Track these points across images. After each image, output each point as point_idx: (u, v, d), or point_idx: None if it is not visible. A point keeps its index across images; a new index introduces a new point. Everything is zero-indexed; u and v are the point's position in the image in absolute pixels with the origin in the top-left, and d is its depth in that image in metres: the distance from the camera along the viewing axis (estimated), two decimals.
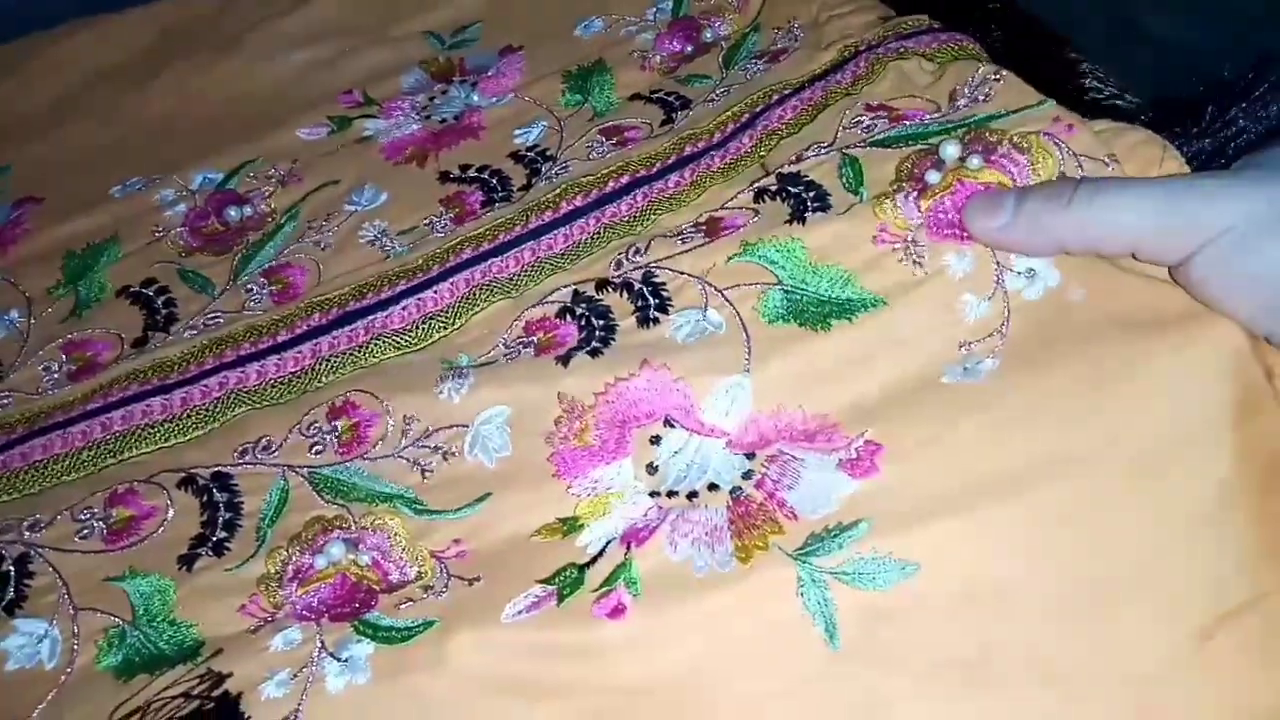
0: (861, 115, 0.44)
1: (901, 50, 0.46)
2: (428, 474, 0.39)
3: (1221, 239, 0.32)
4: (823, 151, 0.43)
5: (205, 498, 0.39)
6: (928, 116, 0.43)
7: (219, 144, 0.54)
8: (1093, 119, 0.41)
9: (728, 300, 0.40)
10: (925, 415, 0.35)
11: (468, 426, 0.39)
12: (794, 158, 0.44)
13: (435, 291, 0.44)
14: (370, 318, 0.44)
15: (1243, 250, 0.32)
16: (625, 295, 0.41)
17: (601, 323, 0.41)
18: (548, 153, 0.50)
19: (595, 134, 0.50)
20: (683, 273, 0.41)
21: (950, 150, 0.39)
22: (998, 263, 0.38)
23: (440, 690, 0.33)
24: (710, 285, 0.40)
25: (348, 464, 0.39)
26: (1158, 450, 0.33)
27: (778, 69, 0.49)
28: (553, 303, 0.42)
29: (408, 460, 0.39)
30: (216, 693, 0.33)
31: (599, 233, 0.45)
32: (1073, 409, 0.34)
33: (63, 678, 0.36)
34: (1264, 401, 0.34)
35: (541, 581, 0.35)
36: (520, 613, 0.34)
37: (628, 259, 0.43)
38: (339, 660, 0.33)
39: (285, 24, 0.61)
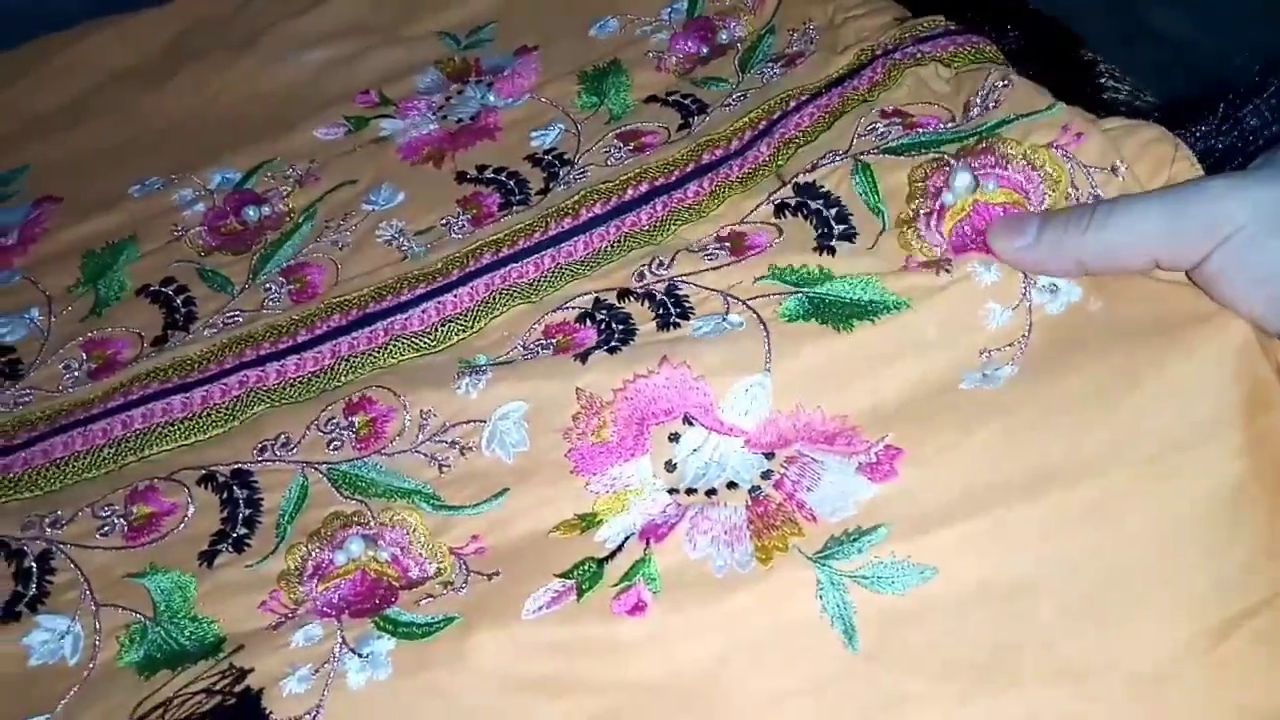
0: (876, 121, 0.44)
1: (919, 55, 0.47)
2: (445, 469, 0.39)
3: (1233, 238, 0.33)
4: (837, 159, 0.43)
5: (225, 494, 0.40)
6: (942, 125, 0.43)
7: (236, 144, 0.55)
8: (1106, 117, 0.42)
9: (749, 307, 0.40)
10: (944, 421, 0.36)
11: (485, 422, 0.39)
12: (809, 165, 0.44)
13: (455, 295, 0.44)
14: (390, 319, 0.44)
15: (1253, 249, 0.32)
16: (647, 304, 0.42)
17: (621, 327, 0.41)
18: (565, 157, 0.50)
19: (613, 139, 0.50)
20: (706, 287, 0.41)
21: (963, 181, 0.39)
22: (1024, 275, 0.38)
23: (462, 687, 0.33)
24: (733, 297, 0.41)
25: (365, 459, 0.40)
26: (1169, 452, 0.33)
27: (794, 74, 0.49)
28: (573, 308, 0.43)
29: (425, 455, 0.39)
30: (238, 688, 0.33)
31: (619, 241, 0.45)
32: (1086, 414, 0.34)
33: (85, 673, 0.36)
34: (1275, 399, 0.34)
35: (560, 575, 0.35)
36: (541, 609, 0.34)
37: (651, 271, 0.43)
38: (360, 656, 0.34)
39: (301, 24, 0.61)
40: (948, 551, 0.33)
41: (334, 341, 0.44)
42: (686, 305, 0.41)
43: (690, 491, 0.37)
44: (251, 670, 0.34)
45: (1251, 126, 0.41)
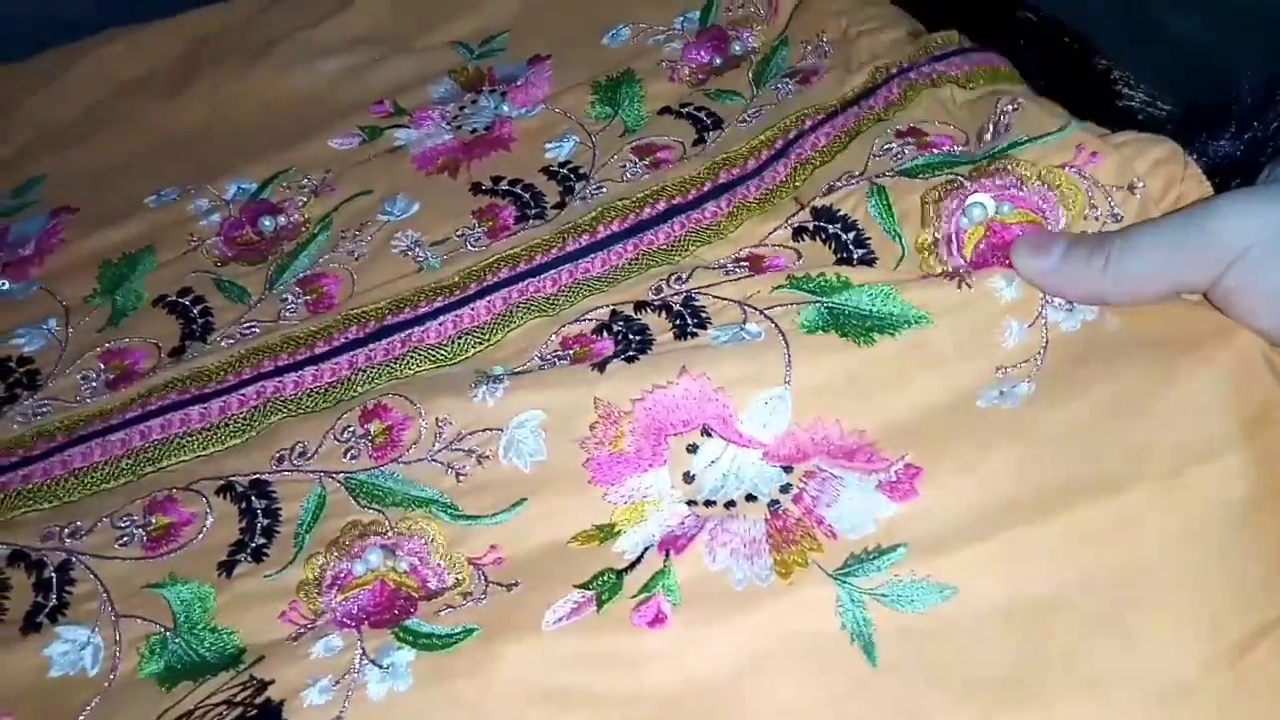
0: (891, 142, 0.45)
1: (934, 76, 0.47)
2: (462, 477, 0.39)
3: (1245, 257, 0.33)
4: (853, 182, 0.44)
5: (244, 505, 0.40)
6: (957, 147, 0.43)
7: (252, 154, 0.55)
8: (1121, 128, 0.42)
9: (767, 316, 0.40)
10: (962, 441, 0.36)
11: (502, 430, 0.39)
12: (825, 188, 0.44)
13: (472, 309, 0.45)
14: (407, 332, 0.45)
15: (1264, 266, 0.33)
16: (664, 315, 0.42)
17: (638, 337, 0.41)
18: (580, 171, 0.50)
19: (628, 153, 0.50)
20: (724, 298, 0.42)
21: (978, 212, 0.39)
22: (1043, 295, 0.38)
23: (483, 698, 0.33)
24: (751, 306, 0.41)
25: (382, 468, 0.40)
26: (1185, 467, 0.34)
27: (809, 92, 0.50)
28: (590, 320, 0.43)
29: (442, 464, 0.40)
30: (260, 700, 0.33)
31: (637, 259, 0.45)
32: (1102, 432, 0.34)
33: (106, 684, 0.36)
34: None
35: (579, 586, 0.35)
36: (560, 620, 0.34)
37: (668, 285, 0.43)
38: (380, 667, 0.34)
39: (315, 34, 0.62)
40: (967, 571, 0.33)
41: (351, 353, 0.44)
42: (704, 315, 0.41)
43: (709, 504, 0.37)
44: (273, 682, 0.34)
45: (1266, 135, 0.42)
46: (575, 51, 0.57)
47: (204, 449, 0.42)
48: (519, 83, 0.56)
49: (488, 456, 0.39)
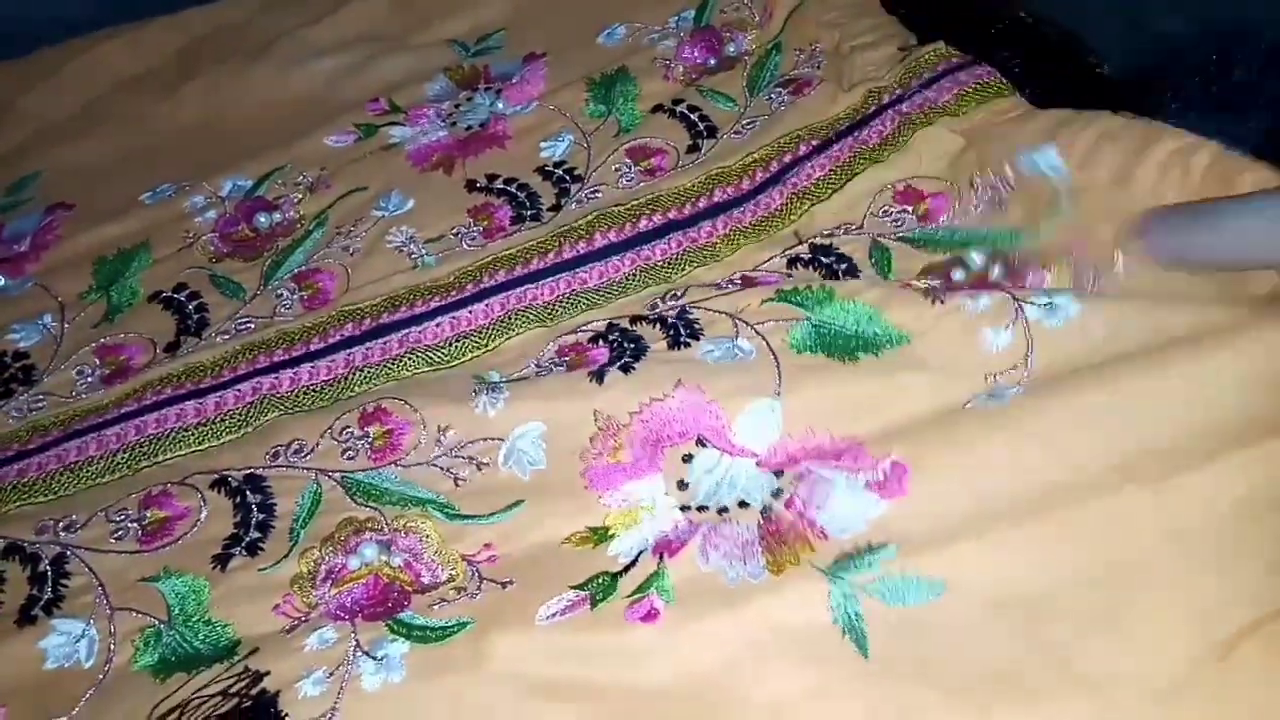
0: (890, 205, 0.46)
1: (926, 109, 0.48)
2: (461, 482, 0.39)
3: None
4: (854, 232, 0.45)
5: (238, 499, 0.40)
6: (951, 208, 0.45)
7: (248, 151, 0.55)
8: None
9: (758, 332, 0.41)
10: (950, 438, 0.37)
11: (503, 440, 0.40)
12: (827, 232, 0.45)
13: (470, 311, 0.45)
14: (404, 331, 0.45)
15: None
16: (658, 327, 0.43)
17: (633, 346, 0.42)
18: (575, 172, 0.50)
19: (623, 155, 0.51)
20: (716, 310, 0.42)
21: (977, 260, 0.42)
22: (1015, 298, 0.39)
23: (476, 690, 0.33)
24: (742, 320, 0.41)
25: (380, 470, 0.40)
26: (1177, 470, 0.34)
27: (802, 103, 0.50)
28: (586, 330, 0.43)
29: (441, 469, 0.40)
30: (255, 690, 0.34)
31: (634, 274, 0.45)
32: (1093, 431, 0.35)
33: (101, 676, 0.36)
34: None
35: (574, 587, 0.35)
36: (554, 615, 0.34)
37: (663, 301, 0.44)
38: (374, 659, 0.34)
39: (311, 34, 0.62)
40: (957, 566, 0.34)
41: (348, 351, 0.44)
42: (696, 327, 0.42)
43: (701, 509, 0.37)
44: (268, 673, 0.34)
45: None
46: (570, 50, 0.57)
47: (199, 444, 0.43)
48: (514, 80, 0.56)
49: (487, 464, 0.40)
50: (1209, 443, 0.34)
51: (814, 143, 0.48)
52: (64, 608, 0.38)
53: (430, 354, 0.44)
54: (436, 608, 0.36)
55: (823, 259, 0.44)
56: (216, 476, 0.41)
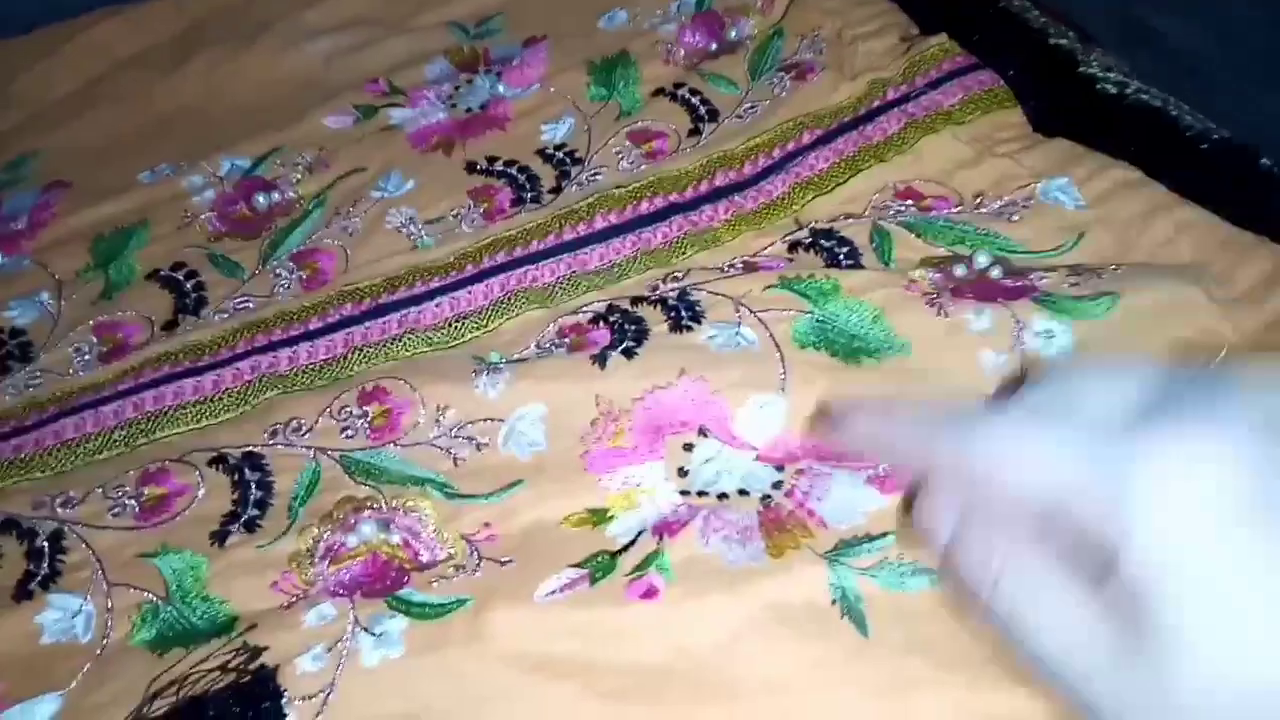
0: (890, 201, 0.46)
1: (931, 112, 0.48)
2: (460, 462, 0.39)
3: None
4: (855, 221, 0.45)
5: (236, 476, 0.40)
6: (952, 211, 0.45)
7: (246, 131, 0.55)
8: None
9: (761, 320, 0.41)
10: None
11: (503, 421, 0.40)
12: (828, 219, 0.45)
13: (469, 292, 0.45)
14: (403, 312, 0.45)
15: None
16: (659, 309, 0.42)
17: (634, 328, 0.42)
18: (576, 155, 0.50)
19: (624, 138, 0.51)
20: (718, 293, 0.42)
21: (982, 259, 0.42)
22: (1017, 320, 0.39)
23: (474, 665, 0.33)
24: (744, 305, 0.41)
25: (379, 449, 0.40)
26: None
27: (804, 90, 0.50)
28: (587, 311, 0.43)
29: (440, 448, 0.40)
30: (253, 665, 0.34)
31: (635, 256, 0.45)
32: None
33: (98, 651, 0.36)
34: None
35: (574, 565, 0.35)
36: (553, 593, 0.34)
37: (664, 284, 0.44)
38: (373, 635, 0.34)
39: (310, 15, 0.62)
40: None
41: (346, 330, 0.44)
42: (698, 309, 0.42)
43: (701, 494, 0.37)
44: (266, 648, 0.34)
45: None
46: (571, 33, 0.57)
47: (197, 422, 0.42)
48: (514, 63, 0.56)
49: (486, 444, 0.40)
50: None
51: (817, 131, 0.48)
52: (61, 583, 0.38)
53: (430, 334, 0.44)
54: (435, 585, 0.36)
55: (824, 242, 0.44)
56: (215, 454, 0.41)
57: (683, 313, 0.42)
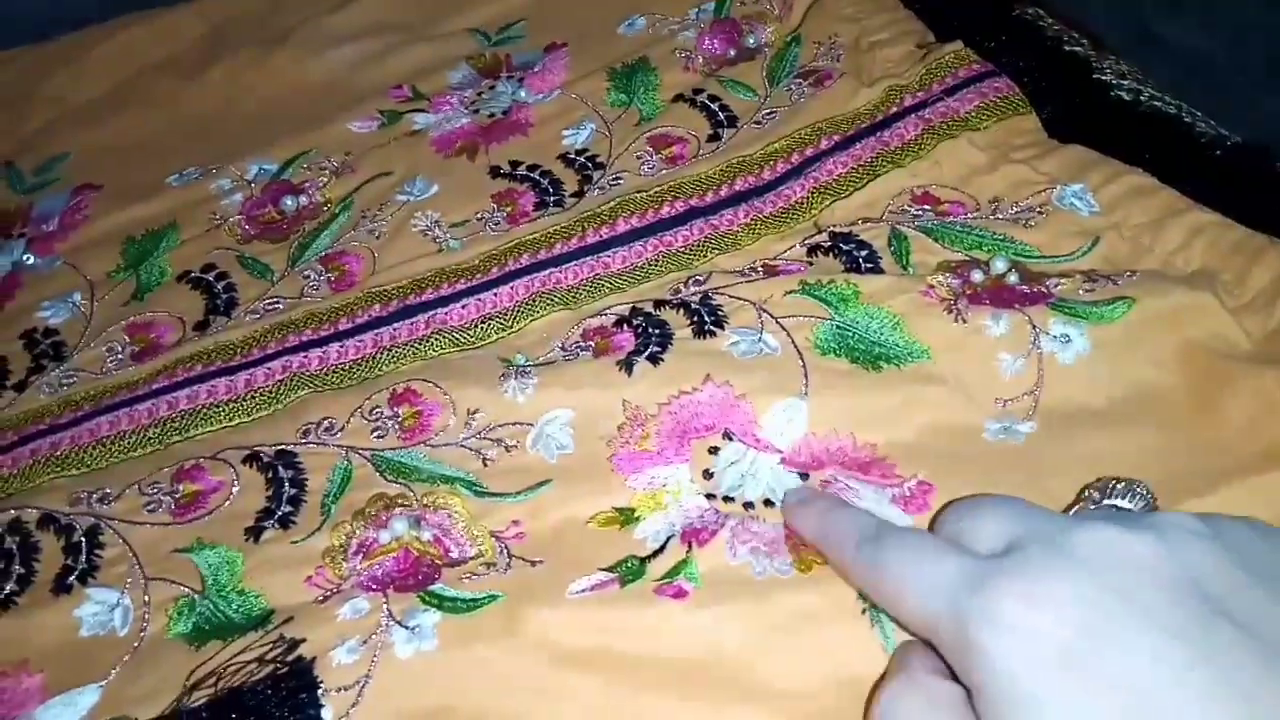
0: (908, 205, 0.47)
1: (949, 119, 0.49)
2: (489, 462, 0.40)
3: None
4: (873, 225, 0.46)
5: (270, 474, 0.41)
6: (969, 216, 0.46)
7: (272, 136, 0.56)
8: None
9: (782, 326, 0.42)
10: (970, 466, 0.38)
11: (532, 425, 0.41)
12: (846, 224, 0.46)
13: (495, 294, 0.46)
14: (430, 313, 0.46)
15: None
16: (682, 312, 0.43)
17: (658, 332, 0.43)
18: (598, 160, 0.51)
19: (644, 143, 0.52)
20: (740, 298, 0.43)
21: (999, 265, 0.43)
22: (1033, 324, 0.40)
23: (507, 659, 0.34)
24: (766, 311, 0.42)
25: (409, 449, 0.41)
26: (1177, 497, 0.35)
27: (822, 96, 0.51)
28: (610, 314, 0.44)
29: (470, 449, 0.41)
30: (290, 657, 0.34)
31: (656, 259, 0.46)
32: (1099, 470, 0.35)
33: (136, 644, 0.37)
34: None
35: (604, 569, 0.36)
36: (583, 591, 0.35)
37: (685, 287, 0.45)
38: (407, 628, 0.35)
39: (333, 21, 0.63)
40: None
41: (375, 331, 0.45)
42: (721, 314, 0.43)
43: (727, 500, 0.38)
44: (304, 640, 0.35)
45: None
46: (591, 40, 0.58)
47: (230, 420, 0.43)
48: (536, 69, 0.57)
49: (515, 446, 0.40)
50: (1215, 478, 0.35)
51: (835, 138, 0.49)
52: (98, 577, 0.39)
53: (456, 335, 0.45)
54: (466, 580, 0.36)
55: (843, 245, 0.45)
56: (248, 452, 0.42)
57: (705, 318, 0.43)
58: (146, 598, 0.38)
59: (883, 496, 0.37)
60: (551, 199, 0.50)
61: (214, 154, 0.56)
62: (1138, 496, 0.32)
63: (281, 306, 0.47)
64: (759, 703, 0.33)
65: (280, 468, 0.41)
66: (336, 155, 0.54)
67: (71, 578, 0.39)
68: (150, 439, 0.43)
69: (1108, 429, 0.38)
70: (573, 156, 0.52)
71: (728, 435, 0.39)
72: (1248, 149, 0.44)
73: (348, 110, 0.56)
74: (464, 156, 0.53)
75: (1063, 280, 0.42)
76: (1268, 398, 0.37)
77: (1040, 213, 0.45)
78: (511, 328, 0.45)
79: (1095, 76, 0.49)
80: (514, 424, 0.41)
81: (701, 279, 0.45)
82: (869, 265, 0.44)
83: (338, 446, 0.41)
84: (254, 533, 0.39)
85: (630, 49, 0.57)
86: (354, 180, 0.53)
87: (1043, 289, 0.42)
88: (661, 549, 0.36)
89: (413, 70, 0.59)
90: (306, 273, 0.49)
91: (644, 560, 0.36)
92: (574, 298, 0.45)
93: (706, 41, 0.56)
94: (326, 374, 0.44)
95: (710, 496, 0.38)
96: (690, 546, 0.36)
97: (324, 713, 0.33)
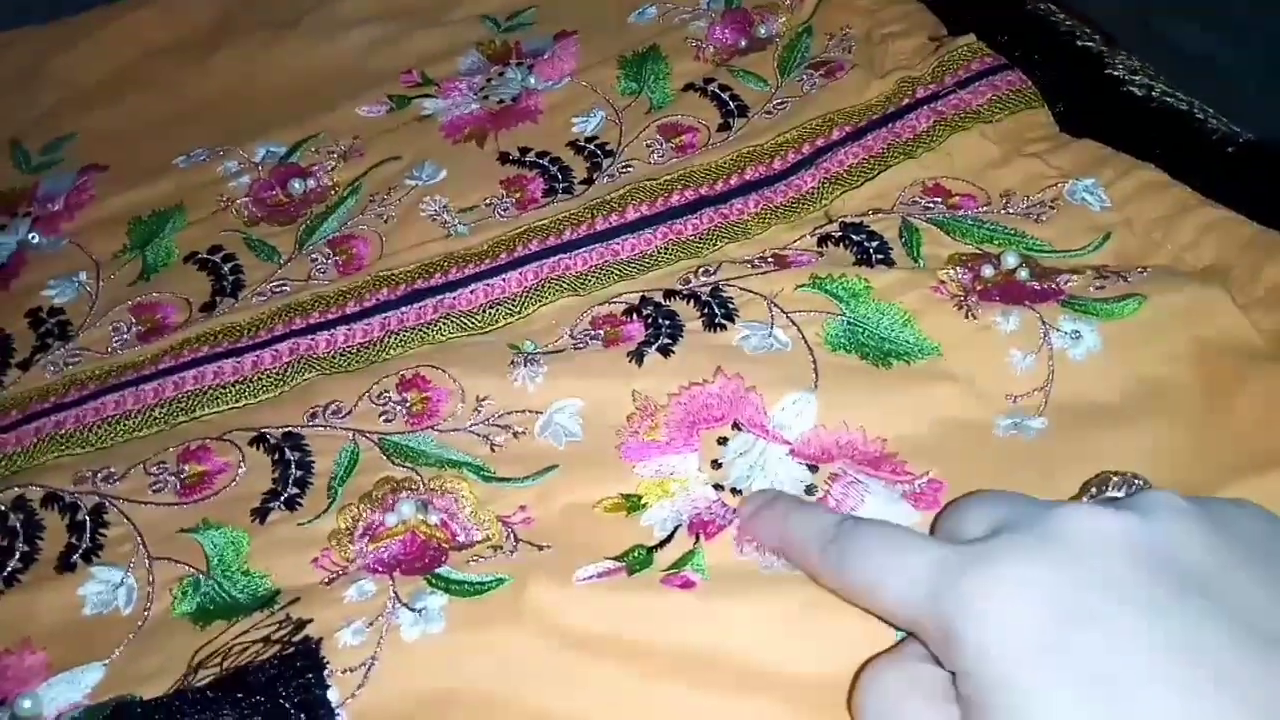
0: (919, 197, 0.47)
1: (961, 111, 0.49)
2: (497, 447, 0.40)
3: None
4: (884, 216, 0.46)
5: (277, 455, 0.41)
6: (980, 209, 0.46)
7: (280, 119, 0.56)
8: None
9: (793, 321, 0.42)
10: (982, 462, 0.38)
11: (540, 413, 0.41)
12: (857, 215, 0.46)
13: (504, 279, 0.46)
14: (439, 297, 0.46)
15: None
16: (692, 304, 0.43)
17: (668, 323, 0.43)
18: (607, 147, 0.51)
19: (654, 132, 0.51)
20: (750, 290, 0.43)
21: (1010, 260, 0.43)
22: (1043, 321, 0.40)
23: (514, 642, 0.34)
24: (777, 306, 0.42)
25: (417, 433, 0.41)
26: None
27: (834, 87, 0.51)
28: (620, 302, 0.44)
29: (478, 435, 0.40)
30: (297, 638, 0.34)
31: (666, 247, 0.46)
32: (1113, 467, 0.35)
33: (140, 623, 0.37)
34: None
35: (611, 559, 0.36)
36: (590, 578, 0.35)
37: (696, 277, 0.44)
38: (413, 610, 0.35)
39: (343, 6, 0.63)
40: None
41: (383, 315, 0.45)
42: (731, 307, 0.43)
43: (735, 491, 0.38)
44: (310, 621, 0.35)
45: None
46: (601, 28, 0.58)
47: (236, 401, 0.43)
48: (546, 56, 0.57)
49: (523, 433, 0.40)
50: (1226, 474, 0.35)
51: (847, 128, 0.49)
52: (102, 556, 0.39)
53: (464, 319, 0.45)
54: (473, 564, 0.36)
55: (853, 236, 0.45)
56: (255, 434, 0.41)
57: (716, 310, 0.43)
58: (151, 577, 0.38)
59: (893, 493, 0.37)
60: (560, 186, 0.50)
61: (221, 136, 0.55)
62: (1135, 489, 0.32)
63: (289, 289, 0.47)
64: (768, 691, 0.33)
65: (287, 450, 0.41)
66: (345, 139, 0.54)
67: (75, 556, 0.39)
68: (156, 419, 0.43)
69: (1119, 425, 0.38)
70: (582, 144, 0.52)
71: (737, 426, 0.39)
72: (1259, 146, 0.44)
73: (357, 95, 0.56)
74: (473, 142, 0.53)
75: (1074, 277, 0.42)
76: (1279, 394, 0.37)
77: (1052, 207, 0.45)
78: (520, 313, 0.45)
79: (1107, 72, 0.49)
80: (523, 411, 0.41)
81: (712, 269, 0.44)
82: (880, 257, 0.44)
83: (345, 429, 0.41)
84: (260, 514, 0.39)
85: (641, 37, 0.57)
86: (362, 164, 0.52)
87: (1053, 285, 0.42)
88: (669, 539, 0.36)
89: (422, 56, 0.58)
90: (314, 256, 0.49)
91: (651, 550, 0.36)
92: (583, 284, 0.45)
93: (717, 31, 0.56)
94: (334, 357, 0.44)
95: (718, 487, 0.38)
96: (698, 538, 0.36)
97: (330, 694, 0.33)
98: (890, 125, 0.49)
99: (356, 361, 0.44)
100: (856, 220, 0.46)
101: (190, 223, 0.51)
